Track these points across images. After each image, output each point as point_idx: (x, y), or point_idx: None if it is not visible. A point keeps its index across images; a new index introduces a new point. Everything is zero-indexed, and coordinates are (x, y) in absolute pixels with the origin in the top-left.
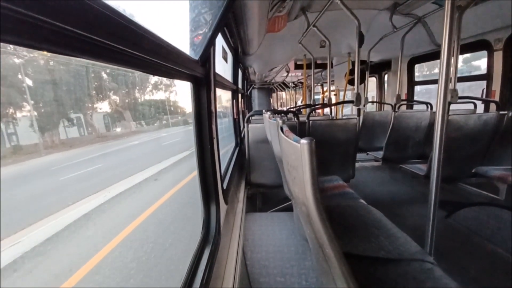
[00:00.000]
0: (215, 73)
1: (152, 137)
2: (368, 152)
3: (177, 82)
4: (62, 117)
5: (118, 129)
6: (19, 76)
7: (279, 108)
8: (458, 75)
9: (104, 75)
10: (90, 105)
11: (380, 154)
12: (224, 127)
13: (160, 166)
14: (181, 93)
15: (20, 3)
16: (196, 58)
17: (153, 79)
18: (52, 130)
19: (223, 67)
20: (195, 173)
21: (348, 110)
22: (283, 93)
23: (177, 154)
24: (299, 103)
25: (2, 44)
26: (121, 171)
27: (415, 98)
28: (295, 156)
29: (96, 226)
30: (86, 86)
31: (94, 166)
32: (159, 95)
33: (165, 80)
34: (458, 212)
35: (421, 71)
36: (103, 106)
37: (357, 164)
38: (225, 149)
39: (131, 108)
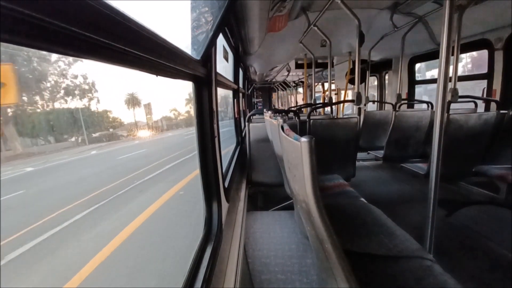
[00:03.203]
0: (216, 73)
1: (20, 172)
2: (368, 151)
3: (98, 87)
4: None
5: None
6: None
7: (280, 107)
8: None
9: None
10: None
11: (380, 153)
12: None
13: None
14: (115, 100)
15: (21, 3)
16: (198, 58)
17: (66, 82)
18: None
19: (224, 67)
20: None
21: (351, 111)
22: (284, 92)
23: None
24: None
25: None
26: None
27: (419, 98)
28: (295, 154)
29: None
30: None
31: None
32: (76, 103)
33: (83, 84)
34: (459, 210)
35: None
36: None
37: (357, 163)
38: (227, 149)
39: (23, 120)
